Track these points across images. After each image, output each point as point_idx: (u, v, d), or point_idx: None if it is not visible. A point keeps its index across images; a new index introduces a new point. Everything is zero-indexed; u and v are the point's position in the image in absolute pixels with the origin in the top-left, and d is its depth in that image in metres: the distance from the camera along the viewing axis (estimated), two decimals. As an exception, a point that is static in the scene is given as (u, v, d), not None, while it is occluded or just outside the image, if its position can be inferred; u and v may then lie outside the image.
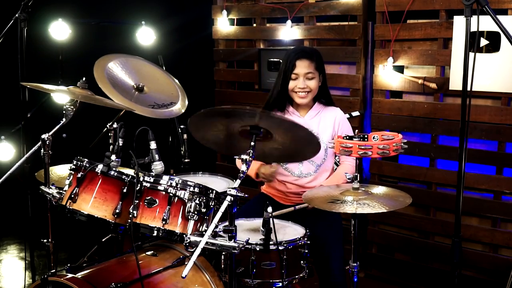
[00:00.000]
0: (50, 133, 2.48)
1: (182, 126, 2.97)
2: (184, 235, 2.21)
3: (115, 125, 2.44)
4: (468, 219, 3.46)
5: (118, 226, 2.33)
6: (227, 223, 2.11)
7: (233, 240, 2.09)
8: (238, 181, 2.11)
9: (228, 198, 2.06)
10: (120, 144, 2.41)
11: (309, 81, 2.83)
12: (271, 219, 2.26)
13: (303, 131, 2.20)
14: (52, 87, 2.53)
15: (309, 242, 2.43)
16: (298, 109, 2.94)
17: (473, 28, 2.11)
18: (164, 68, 3.10)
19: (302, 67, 2.82)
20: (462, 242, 2.22)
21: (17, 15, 2.79)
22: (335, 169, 3.03)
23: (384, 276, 3.84)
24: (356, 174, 2.30)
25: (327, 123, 2.91)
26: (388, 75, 3.64)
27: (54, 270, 2.35)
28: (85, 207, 2.30)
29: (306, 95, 2.85)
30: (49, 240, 2.60)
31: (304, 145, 2.32)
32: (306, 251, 2.40)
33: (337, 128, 2.90)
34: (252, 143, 2.18)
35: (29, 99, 2.93)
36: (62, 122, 2.53)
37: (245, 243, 2.14)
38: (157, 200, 2.26)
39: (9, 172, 2.59)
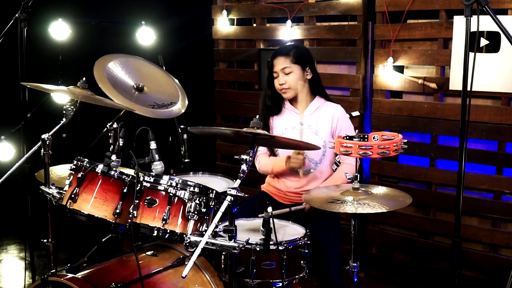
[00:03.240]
0: (50, 133, 2.48)
1: (182, 126, 2.97)
2: (184, 235, 2.21)
3: (115, 125, 2.44)
4: (468, 219, 3.46)
5: (118, 226, 2.33)
6: (227, 223, 2.12)
7: (233, 240, 2.09)
8: (238, 181, 2.11)
9: (228, 198, 2.07)
10: (120, 144, 2.41)
11: (287, 76, 2.87)
12: (271, 219, 2.26)
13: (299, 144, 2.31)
14: (52, 87, 2.53)
15: (309, 242, 2.43)
16: (296, 105, 2.95)
17: (473, 28, 2.11)
18: (164, 68, 3.10)
19: (277, 64, 2.89)
20: (462, 242, 2.22)
21: (17, 15, 2.78)
22: (335, 169, 3.03)
23: (384, 276, 3.84)
24: (356, 174, 2.30)
25: (326, 119, 2.91)
26: (388, 75, 3.64)
27: (54, 270, 2.34)
28: (85, 207, 2.31)
29: (286, 91, 2.89)
30: (49, 240, 2.60)
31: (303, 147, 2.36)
32: (306, 251, 2.40)
33: (335, 124, 2.90)
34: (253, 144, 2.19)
35: (29, 99, 2.93)
36: (62, 122, 2.53)
37: (245, 243, 2.14)
38: (157, 200, 2.26)
39: (9, 172, 2.59)
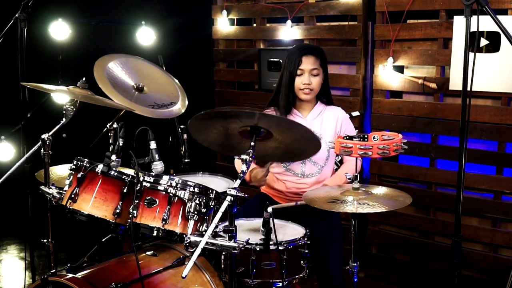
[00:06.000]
0: (50, 133, 2.48)
1: (182, 126, 2.97)
2: (184, 235, 2.21)
3: (115, 125, 2.44)
4: (468, 219, 3.46)
5: (118, 226, 2.32)
6: (227, 223, 2.12)
7: (233, 240, 2.09)
8: (238, 181, 2.11)
9: (228, 198, 2.07)
10: (120, 144, 2.41)
11: (314, 77, 2.83)
12: (271, 219, 2.26)
13: (302, 129, 2.24)
14: (52, 87, 2.53)
15: (309, 242, 2.43)
16: (300, 109, 2.94)
17: (473, 28, 2.11)
18: (164, 68, 3.10)
19: (307, 63, 2.82)
20: (462, 242, 2.22)
21: (17, 15, 2.79)
22: (336, 169, 3.03)
23: (384, 276, 3.84)
24: (356, 174, 2.30)
25: (330, 123, 2.90)
26: (388, 75, 3.64)
27: (54, 270, 2.35)
28: (85, 207, 2.30)
29: (309, 92, 2.84)
30: (49, 240, 2.60)
31: (304, 144, 2.34)
32: (306, 251, 2.40)
33: (339, 128, 2.90)
34: (252, 143, 2.19)
35: (29, 99, 2.93)
36: (62, 122, 2.53)
37: (245, 243, 2.14)
38: (157, 200, 2.26)
39: (9, 172, 2.59)
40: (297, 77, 2.83)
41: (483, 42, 3.18)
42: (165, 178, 2.29)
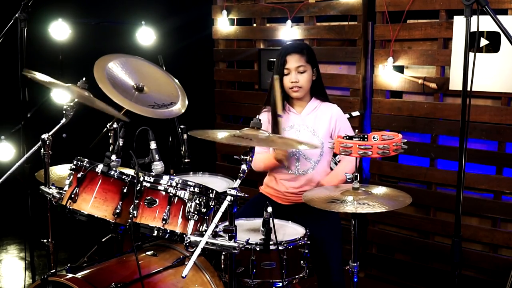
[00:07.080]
0: (50, 133, 2.48)
1: (182, 126, 2.97)
2: (184, 235, 2.21)
3: (115, 125, 2.44)
4: (468, 219, 3.46)
5: (118, 226, 2.33)
6: (227, 223, 2.12)
7: (233, 240, 2.09)
8: (238, 181, 2.11)
9: (228, 198, 2.07)
10: (120, 144, 2.41)
11: (301, 74, 2.84)
12: (271, 219, 2.26)
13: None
14: (53, 80, 2.52)
15: (309, 242, 2.43)
16: (294, 106, 2.95)
17: (473, 28, 2.11)
18: (164, 68, 3.10)
19: (292, 61, 2.84)
20: (462, 242, 2.22)
21: (17, 15, 2.79)
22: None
23: (384, 276, 3.84)
24: (356, 174, 2.30)
25: (323, 119, 2.91)
26: (388, 75, 3.64)
27: (54, 270, 2.34)
28: (85, 207, 2.30)
29: (298, 90, 2.86)
30: (49, 240, 2.60)
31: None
32: (306, 251, 2.40)
33: (333, 124, 2.90)
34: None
35: (29, 99, 2.93)
36: (62, 122, 2.53)
37: (245, 243, 2.14)
38: (157, 200, 2.26)
39: (9, 172, 2.59)
40: (285, 76, 2.86)
41: (483, 42, 3.18)
42: (165, 178, 2.29)
